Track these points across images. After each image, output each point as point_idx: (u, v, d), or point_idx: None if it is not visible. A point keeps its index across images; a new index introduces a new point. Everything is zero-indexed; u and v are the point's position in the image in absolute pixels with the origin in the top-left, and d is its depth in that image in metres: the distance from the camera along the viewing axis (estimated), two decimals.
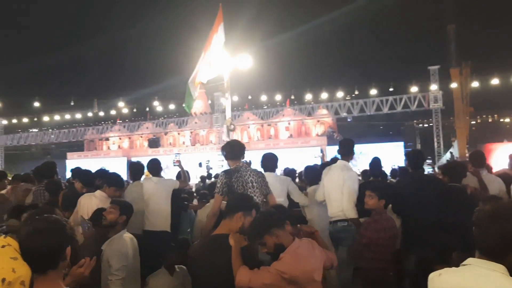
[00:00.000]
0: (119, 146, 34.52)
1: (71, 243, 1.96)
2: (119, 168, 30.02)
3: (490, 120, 38.16)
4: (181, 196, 6.06)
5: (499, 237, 1.69)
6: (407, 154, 4.86)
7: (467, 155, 22.28)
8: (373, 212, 3.91)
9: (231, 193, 3.62)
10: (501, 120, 38.74)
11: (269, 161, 4.96)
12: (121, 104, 30.75)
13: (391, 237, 3.78)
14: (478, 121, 37.72)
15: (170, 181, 5.42)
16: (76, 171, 5.78)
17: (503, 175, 5.10)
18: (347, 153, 4.71)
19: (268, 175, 4.71)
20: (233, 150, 3.97)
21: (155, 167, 5.41)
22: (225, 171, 3.86)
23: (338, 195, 4.37)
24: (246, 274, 2.53)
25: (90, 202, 4.37)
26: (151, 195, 5.03)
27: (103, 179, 4.66)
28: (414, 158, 4.70)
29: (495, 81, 23.59)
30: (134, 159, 32.28)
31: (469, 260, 1.78)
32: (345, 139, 4.99)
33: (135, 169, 5.54)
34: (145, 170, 5.75)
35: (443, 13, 26.71)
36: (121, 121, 33.69)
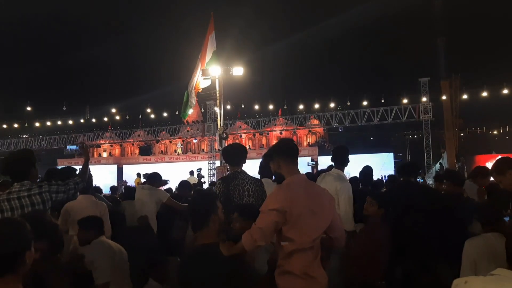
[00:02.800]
0: (110, 153, 34.31)
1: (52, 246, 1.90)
2: (110, 175, 29.81)
3: (478, 132, 38.64)
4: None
5: None
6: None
7: (456, 165, 22.56)
8: (369, 220, 3.86)
9: (228, 201, 3.39)
10: (490, 132, 39.29)
11: (267, 167, 4.72)
12: (113, 111, 30.62)
13: (382, 246, 3.70)
14: (467, 132, 38.14)
15: (160, 192, 5.42)
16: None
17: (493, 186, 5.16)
18: (340, 161, 4.48)
19: (264, 182, 4.69)
20: (235, 155, 3.75)
21: (153, 178, 5.54)
22: (223, 179, 3.66)
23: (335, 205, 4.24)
24: (246, 233, 2.50)
25: (80, 206, 4.38)
26: (140, 202, 5.08)
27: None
28: (403, 167, 4.82)
29: (484, 94, 24.00)
30: (125, 167, 32.10)
31: (498, 270, 1.75)
32: (339, 147, 4.75)
33: (129, 192, 5.75)
34: (136, 178, 5.85)
35: (434, 26, 27.15)
36: (112, 128, 33.51)
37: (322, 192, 2.79)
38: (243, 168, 3.78)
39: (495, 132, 39.52)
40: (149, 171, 6.11)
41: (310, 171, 10.82)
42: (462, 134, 34.10)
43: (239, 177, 3.57)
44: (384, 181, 11.79)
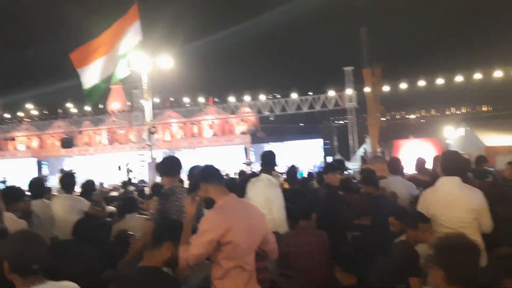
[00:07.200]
0: (27, 146, 31.70)
1: None
2: (28, 169, 27.58)
3: (398, 117, 41.56)
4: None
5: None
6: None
7: (378, 150, 24.01)
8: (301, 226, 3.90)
9: (164, 219, 3.28)
10: (407, 116, 42.45)
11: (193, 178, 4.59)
12: (29, 106, 28.15)
13: (307, 252, 3.72)
14: (388, 117, 40.82)
15: (82, 201, 4.95)
16: None
17: (413, 180, 5.46)
18: (269, 166, 4.54)
19: None
20: (171, 166, 3.66)
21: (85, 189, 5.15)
22: (160, 196, 3.55)
23: (267, 210, 4.01)
24: (184, 252, 2.51)
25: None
26: (60, 218, 4.68)
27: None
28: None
29: (403, 81, 25.72)
30: (45, 160, 29.85)
31: None
32: (266, 152, 4.73)
33: (35, 186, 5.05)
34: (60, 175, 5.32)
35: (356, 17, 28.33)
36: (29, 120, 30.91)
37: (254, 209, 2.85)
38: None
39: (413, 116, 42.77)
40: (73, 166, 5.59)
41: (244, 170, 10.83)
42: (383, 119, 36.33)
43: (177, 192, 3.47)
44: (314, 172, 12.14)
